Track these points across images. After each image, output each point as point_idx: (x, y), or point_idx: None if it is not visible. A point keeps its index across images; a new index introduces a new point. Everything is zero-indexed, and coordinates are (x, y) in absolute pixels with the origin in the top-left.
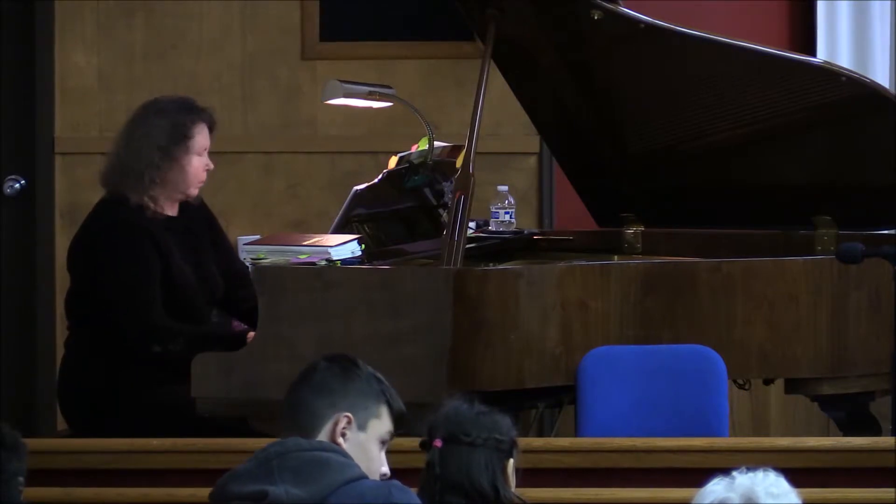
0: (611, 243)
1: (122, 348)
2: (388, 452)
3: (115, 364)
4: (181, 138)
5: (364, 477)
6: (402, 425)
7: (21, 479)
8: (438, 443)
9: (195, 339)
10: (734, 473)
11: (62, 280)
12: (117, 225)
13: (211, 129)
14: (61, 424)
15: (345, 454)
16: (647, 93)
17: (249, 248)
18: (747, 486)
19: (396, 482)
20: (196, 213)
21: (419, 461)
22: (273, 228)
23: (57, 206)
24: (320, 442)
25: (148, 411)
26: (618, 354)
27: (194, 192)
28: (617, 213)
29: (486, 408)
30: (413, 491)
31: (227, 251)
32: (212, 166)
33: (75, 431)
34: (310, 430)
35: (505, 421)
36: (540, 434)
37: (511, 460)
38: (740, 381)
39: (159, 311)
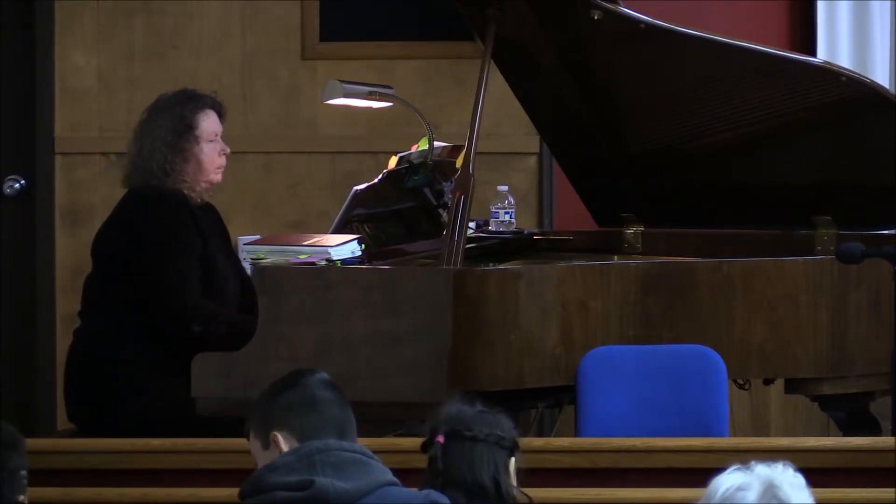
0: (611, 243)
1: (154, 328)
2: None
3: (132, 353)
4: (186, 129)
5: (398, 483)
6: None
7: (23, 472)
8: (441, 438)
9: (235, 325)
10: (752, 462)
11: (62, 280)
12: (159, 199)
13: (219, 113)
14: (61, 424)
15: (378, 461)
16: (647, 93)
17: (249, 248)
18: (767, 474)
19: (434, 492)
20: (211, 209)
21: (418, 461)
22: (273, 228)
23: (57, 206)
24: (360, 446)
25: (148, 409)
26: (618, 354)
27: (217, 177)
28: (617, 213)
29: (487, 408)
30: (415, 490)
31: None
32: (228, 150)
33: (75, 417)
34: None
35: (506, 421)
36: (540, 434)
37: (513, 459)
38: (740, 381)
39: (198, 289)
